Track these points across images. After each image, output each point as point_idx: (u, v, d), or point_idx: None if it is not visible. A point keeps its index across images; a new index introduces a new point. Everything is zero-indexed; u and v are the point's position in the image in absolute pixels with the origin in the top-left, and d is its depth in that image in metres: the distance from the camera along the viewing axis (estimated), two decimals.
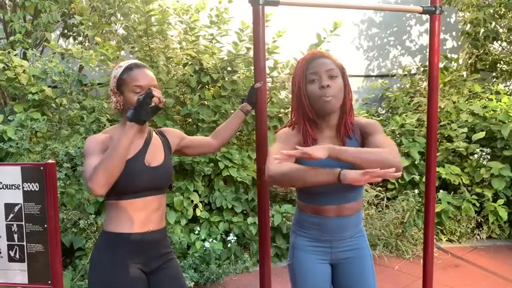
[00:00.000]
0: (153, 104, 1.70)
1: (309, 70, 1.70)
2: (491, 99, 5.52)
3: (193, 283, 3.62)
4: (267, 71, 4.39)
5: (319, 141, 1.79)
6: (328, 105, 1.67)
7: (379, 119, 5.77)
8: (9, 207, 2.14)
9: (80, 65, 4.42)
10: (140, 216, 1.82)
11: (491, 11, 6.04)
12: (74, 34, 4.98)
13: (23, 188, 2.11)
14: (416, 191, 4.64)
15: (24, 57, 4.32)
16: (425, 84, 6.08)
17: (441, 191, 4.67)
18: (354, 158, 1.53)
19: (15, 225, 2.13)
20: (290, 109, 1.84)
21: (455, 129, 5.02)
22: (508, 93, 6.00)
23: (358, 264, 1.85)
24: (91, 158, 1.72)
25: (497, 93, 5.83)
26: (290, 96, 1.78)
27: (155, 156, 1.88)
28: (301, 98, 1.72)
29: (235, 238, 4.00)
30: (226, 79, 4.36)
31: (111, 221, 1.82)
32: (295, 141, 1.77)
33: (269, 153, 1.73)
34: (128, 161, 1.77)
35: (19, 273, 2.16)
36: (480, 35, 6.15)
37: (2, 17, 4.49)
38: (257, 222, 2.33)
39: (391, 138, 5.19)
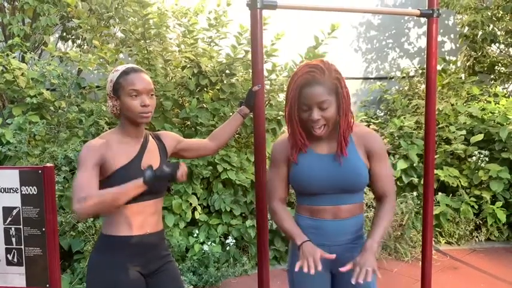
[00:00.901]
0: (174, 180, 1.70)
1: (302, 99, 1.69)
2: (490, 102, 5.53)
3: (192, 286, 3.61)
4: (265, 73, 4.40)
5: (314, 147, 1.80)
6: (317, 135, 1.72)
7: (377, 121, 5.78)
8: (7, 210, 2.14)
9: (79, 68, 4.42)
10: (137, 219, 1.82)
11: (489, 13, 6.06)
12: (73, 37, 4.98)
13: (21, 191, 2.11)
14: (414, 193, 4.64)
15: (23, 60, 4.32)
16: (423, 86, 6.09)
17: (440, 193, 4.67)
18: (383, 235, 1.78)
19: (13, 229, 2.13)
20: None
21: (453, 132, 5.03)
22: (506, 95, 6.01)
23: None
24: (83, 171, 1.68)
25: (496, 95, 5.84)
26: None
27: (151, 161, 1.87)
28: (292, 120, 1.75)
29: (234, 241, 4.00)
30: (225, 82, 4.36)
31: (109, 224, 1.82)
32: (286, 155, 1.83)
33: (268, 178, 1.90)
34: (123, 167, 1.77)
35: (17, 276, 2.15)
36: (478, 37, 6.15)
37: (0, 20, 4.49)
38: (256, 225, 2.33)
39: (388, 142, 5.18)
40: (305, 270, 1.58)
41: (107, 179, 1.77)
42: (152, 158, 1.89)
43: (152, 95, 1.83)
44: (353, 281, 1.57)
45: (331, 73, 1.68)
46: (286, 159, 1.83)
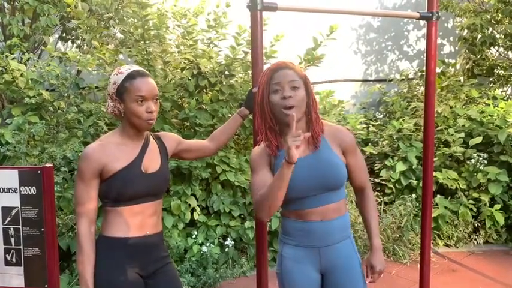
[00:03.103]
0: None
1: (273, 80, 1.76)
2: (488, 105, 5.53)
3: (190, 287, 3.61)
4: None
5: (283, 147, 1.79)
6: (289, 118, 1.68)
7: (376, 123, 5.78)
8: (6, 210, 2.13)
9: (78, 69, 4.42)
10: (136, 220, 1.82)
11: (488, 16, 6.07)
12: (73, 37, 4.98)
13: (20, 191, 2.11)
14: (413, 195, 4.64)
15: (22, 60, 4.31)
16: (422, 89, 6.09)
17: (438, 195, 4.67)
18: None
19: (12, 229, 2.13)
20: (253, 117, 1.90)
21: (452, 134, 5.03)
22: (505, 98, 6.02)
23: (347, 275, 1.83)
24: (82, 184, 1.76)
25: (494, 98, 5.84)
26: None
27: (152, 162, 1.88)
28: (263, 106, 1.77)
29: (232, 242, 4.00)
30: (224, 83, 4.36)
31: (108, 225, 1.82)
32: (266, 160, 1.82)
33: (252, 185, 1.80)
34: (124, 169, 1.77)
35: (16, 277, 2.15)
36: (477, 40, 6.16)
37: (0, 20, 4.49)
38: (254, 227, 2.33)
39: (387, 144, 5.16)
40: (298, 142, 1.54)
41: (108, 180, 1.77)
42: (153, 159, 1.89)
43: (157, 99, 1.83)
44: (367, 281, 1.72)
45: (300, 69, 1.81)
46: (267, 163, 1.81)
